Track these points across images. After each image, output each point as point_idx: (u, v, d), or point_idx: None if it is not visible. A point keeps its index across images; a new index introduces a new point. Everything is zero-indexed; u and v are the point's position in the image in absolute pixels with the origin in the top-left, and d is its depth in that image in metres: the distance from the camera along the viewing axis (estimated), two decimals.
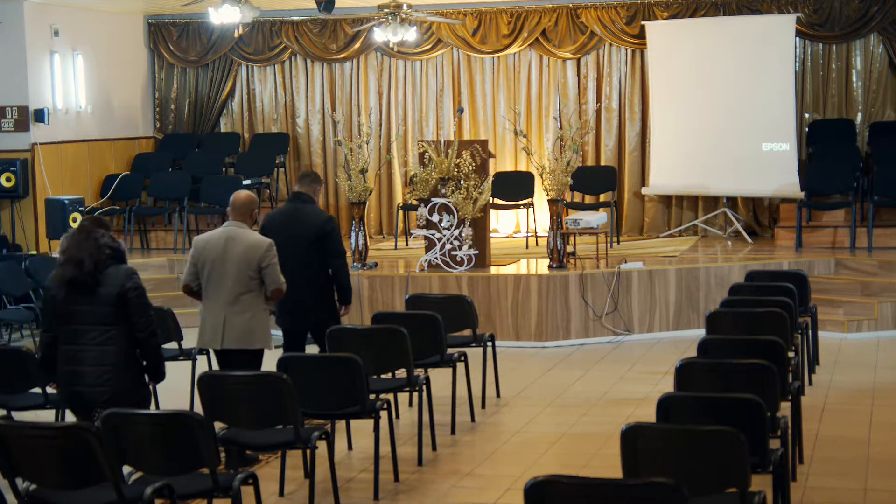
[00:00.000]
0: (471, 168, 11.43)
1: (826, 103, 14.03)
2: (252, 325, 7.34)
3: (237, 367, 7.23)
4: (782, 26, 13.38)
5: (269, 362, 7.15)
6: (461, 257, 11.55)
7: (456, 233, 11.54)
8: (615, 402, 9.07)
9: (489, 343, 9.16)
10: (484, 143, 11.81)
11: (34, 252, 13.10)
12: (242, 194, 7.82)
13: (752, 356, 6.43)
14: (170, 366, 8.63)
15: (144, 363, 6.22)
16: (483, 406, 8.99)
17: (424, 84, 15.27)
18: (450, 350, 8.38)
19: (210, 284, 7.36)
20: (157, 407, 8.53)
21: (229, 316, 7.31)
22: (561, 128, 12.30)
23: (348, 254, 10.29)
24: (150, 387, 6.37)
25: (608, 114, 14.66)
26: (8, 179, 13.31)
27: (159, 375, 6.30)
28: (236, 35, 13.37)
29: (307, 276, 8.08)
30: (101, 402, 5.99)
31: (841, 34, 13.74)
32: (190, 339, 9.25)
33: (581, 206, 13.65)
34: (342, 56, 15.37)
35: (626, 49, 14.53)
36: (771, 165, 13.30)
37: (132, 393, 6.12)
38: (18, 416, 7.40)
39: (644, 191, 14.38)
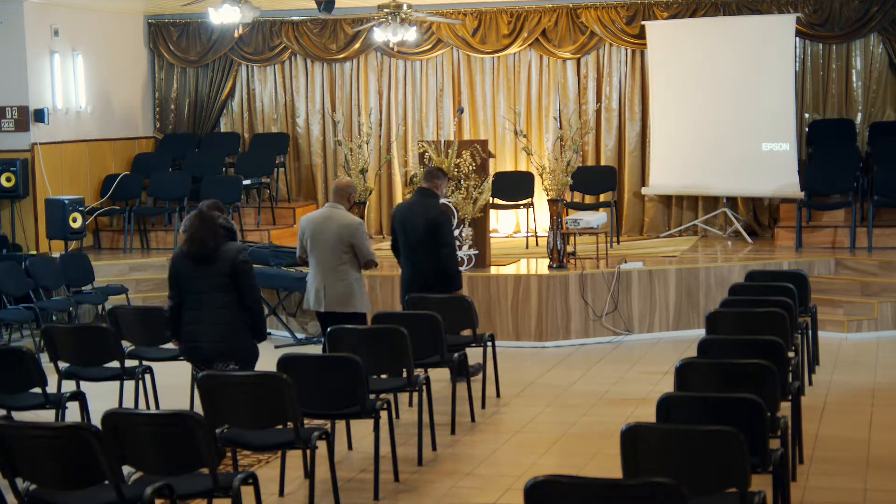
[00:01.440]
0: (471, 168, 11.43)
1: (826, 103, 14.03)
2: (348, 292, 8.50)
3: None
4: (782, 26, 13.38)
5: (270, 362, 7.15)
6: (461, 257, 11.54)
7: (456, 233, 11.54)
8: (615, 402, 9.07)
9: (489, 343, 9.16)
10: (484, 143, 11.81)
11: (34, 252, 13.10)
12: (343, 180, 8.96)
13: (752, 356, 6.42)
14: (170, 366, 8.75)
15: (251, 324, 7.15)
16: (483, 406, 8.99)
17: (424, 84, 15.27)
18: (450, 350, 8.38)
19: (313, 256, 8.57)
20: (158, 407, 8.54)
21: (328, 283, 8.51)
22: (561, 128, 12.30)
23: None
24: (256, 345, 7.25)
25: (608, 114, 14.66)
26: (8, 179, 13.31)
27: (261, 335, 7.22)
28: (236, 35, 13.36)
29: (423, 260, 9.21)
30: (217, 356, 7.04)
31: (841, 34, 13.74)
32: None
33: (581, 206, 13.65)
34: (342, 56, 15.37)
35: (626, 49, 14.53)
36: (771, 165, 13.30)
37: (242, 349, 7.12)
38: (18, 416, 7.40)
39: (644, 191, 14.38)
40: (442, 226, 9.19)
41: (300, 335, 11.78)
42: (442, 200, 11.42)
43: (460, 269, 9.64)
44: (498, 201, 13.67)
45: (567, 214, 12.48)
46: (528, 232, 14.29)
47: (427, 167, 10.07)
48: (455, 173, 11.43)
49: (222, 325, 7.06)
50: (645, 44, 14.14)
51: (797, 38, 13.60)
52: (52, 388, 7.69)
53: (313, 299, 8.59)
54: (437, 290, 9.10)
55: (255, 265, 11.84)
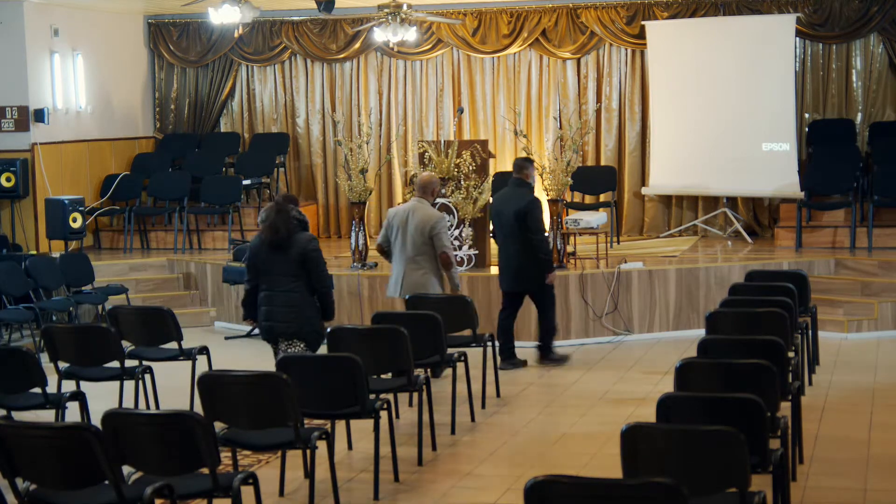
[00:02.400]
0: (471, 168, 11.43)
1: (826, 103, 14.03)
2: (423, 280, 9.31)
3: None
4: (782, 26, 13.38)
5: (270, 362, 7.14)
6: (461, 257, 11.55)
7: (456, 233, 11.54)
8: (615, 402, 9.07)
9: (489, 343, 9.16)
10: (484, 143, 11.81)
11: (34, 252, 13.09)
12: (426, 176, 9.70)
13: (752, 356, 6.42)
14: (170, 366, 8.75)
15: (320, 306, 7.91)
16: (483, 406, 8.99)
17: (424, 84, 15.27)
18: (450, 350, 8.38)
19: (396, 246, 9.38)
20: (158, 407, 8.55)
21: (407, 272, 9.33)
22: (561, 128, 12.31)
23: (348, 254, 11.74)
24: (324, 326, 7.94)
25: (608, 114, 14.66)
26: (8, 179, 13.31)
27: (330, 316, 7.99)
28: (236, 35, 13.37)
29: (516, 247, 9.83)
30: (287, 334, 7.80)
31: (841, 34, 13.74)
32: (190, 339, 9.26)
33: (581, 206, 13.65)
34: (342, 56, 15.37)
35: (626, 49, 14.53)
36: (771, 165, 13.30)
37: (310, 330, 7.84)
38: (18, 416, 7.41)
39: (644, 191, 14.38)
40: (531, 213, 9.77)
41: None
42: (442, 200, 11.46)
43: (549, 255, 10.11)
44: None
45: (567, 214, 12.49)
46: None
47: (517, 159, 10.55)
48: (455, 173, 11.44)
49: (291, 308, 7.79)
50: (645, 44, 14.14)
51: (797, 38, 13.61)
52: (52, 388, 7.69)
53: (392, 286, 9.46)
54: (530, 276, 9.83)
55: None
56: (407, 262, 9.37)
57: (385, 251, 9.57)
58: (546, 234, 10.10)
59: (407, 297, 9.14)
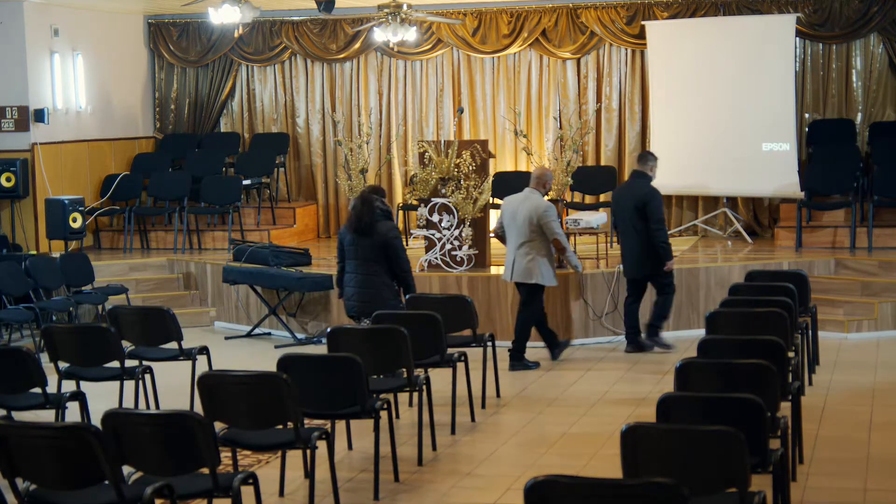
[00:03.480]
0: (471, 168, 11.43)
1: (826, 103, 14.03)
2: (531, 266, 9.92)
3: (522, 296, 10.08)
4: (782, 26, 13.38)
5: (270, 362, 7.15)
6: (461, 257, 11.55)
7: (456, 233, 11.54)
8: (615, 402, 9.07)
9: (489, 343, 9.16)
10: (484, 143, 11.81)
11: (34, 252, 13.10)
12: (540, 169, 10.30)
13: (752, 356, 6.42)
14: (170, 366, 8.75)
15: (400, 288, 8.92)
16: (483, 406, 8.99)
17: (424, 84, 15.27)
18: (450, 350, 8.38)
19: (508, 232, 10.04)
20: (158, 407, 8.54)
21: (517, 257, 9.95)
22: (561, 128, 12.32)
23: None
24: (402, 303, 8.95)
25: (608, 114, 14.66)
26: (8, 179, 13.31)
27: (412, 292, 8.96)
28: (236, 35, 13.36)
29: (636, 236, 10.34)
30: (366, 312, 8.63)
31: (841, 34, 13.74)
32: (190, 339, 9.27)
33: (581, 206, 13.65)
34: (342, 56, 15.37)
35: (626, 49, 14.54)
36: (771, 165, 13.30)
37: (388, 308, 8.61)
38: (18, 416, 7.41)
39: (508, 198, 14.25)
40: (650, 203, 10.35)
41: (300, 335, 11.78)
42: (442, 200, 11.47)
43: (668, 244, 10.55)
44: (498, 201, 13.61)
45: (567, 214, 12.48)
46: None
47: (641, 152, 11.12)
48: (455, 173, 11.44)
49: (369, 289, 8.78)
50: (645, 44, 14.14)
51: (797, 38, 13.61)
52: (52, 388, 7.68)
53: (505, 270, 10.18)
54: (649, 264, 10.38)
55: (254, 265, 11.96)
56: (517, 249, 9.99)
57: (500, 236, 10.30)
58: (665, 223, 10.69)
59: (510, 280, 10.09)
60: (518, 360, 10.25)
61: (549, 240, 9.94)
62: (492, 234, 10.40)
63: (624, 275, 10.78)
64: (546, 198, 10.18)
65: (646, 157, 10.75)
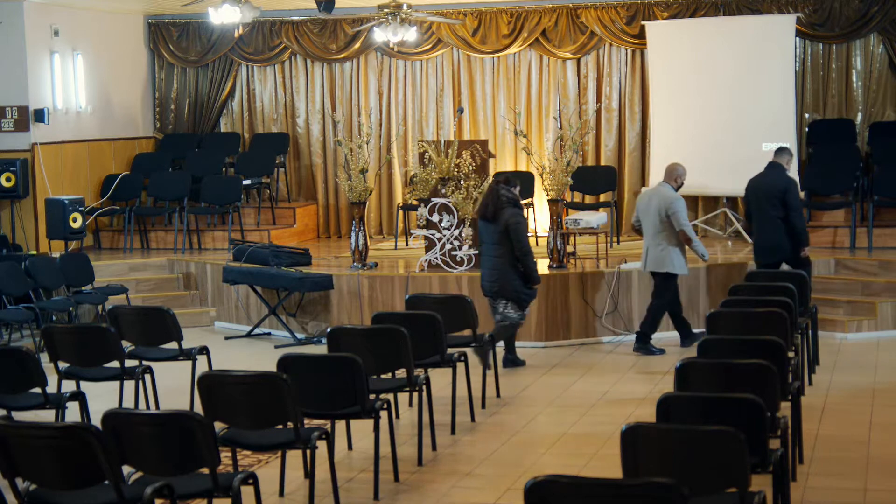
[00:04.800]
0: (471, 168, 11.43)
1: (826, 103, 14.03)
2: (663, 256, 10.40)
3: (655, 284, 10.55)
4: (782, 26, 13.38)
5: (270, 362, 7.15)
6: (461, 257, 11.56)
7: (456, 233, 11.54)
8: (615, 402, 9.07)
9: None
10: (484, 143, 11.82)
11: (34, 252, 13.10)
12: (671, 164, 10.75)
13: (752, 356, 6.42)
14: (170, 366, 8.75)
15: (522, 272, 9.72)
16: (483, 406, 8.99)
17: (424, 84, 15.27)
18: (450, 350, 8.38)
19: (643, 225, 10.55)
20: (158, 407, 8.55)
21: (650, 248, 10.48)
22: (561, 128, 12.31)
23: (348, 254, 12.10)
24: (532, 289, 9.87)
25: (608, 114, 14.66)
26: (8, 179, 13.31)
27: (533, 280, 9.80)
28: (236, 35, 13.36)
29: (771, 223, 10.55)
30: (493, 293, 9.79)
31: (841, 34, 13.74)
32: (190, 339, 9.27)
33: (581, 206, 13.65)
34: (342, 56, 15.37)
35: (626, 49, 14.54)
36: None
37: (510, 290, 9.72)
38: (18, 416, 7.40)
39: (644, 191, 14.35)
40: (789, 192, 10.54)
41: (300, 335, 11.78)
42: (442, 200, 11.47)
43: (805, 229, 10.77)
44: None
45: (567, 214, 12.49)
46: (528, 232, 14.26)
47: (779, 146, 11.27)
48: (455, 173, 11.44)
49: (496, 270, 9.73)
50: (645, 44, 14.14)
51: (797, 38, 13.61)
52: (52, 388, 7.69)
53: (641, 261, 10.64)
54: (787, 250, 10.55)
55: (254, 265, 11.96)
56: (651, 240, 10.45)
57: (637, 229, 10.80)
58: (802, 211, 10.91)
59: (645, 270, 10.60)
60: (643, 344, 10.64)
61: (677, 230, 10.33)
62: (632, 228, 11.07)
63: (756, 260, 10.87)
64: (678, 191, 10.57)
65: (782, 151, 10.96)
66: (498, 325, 9.93)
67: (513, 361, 10.33)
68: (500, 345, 10.18)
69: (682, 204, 10.39)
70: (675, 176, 10.60)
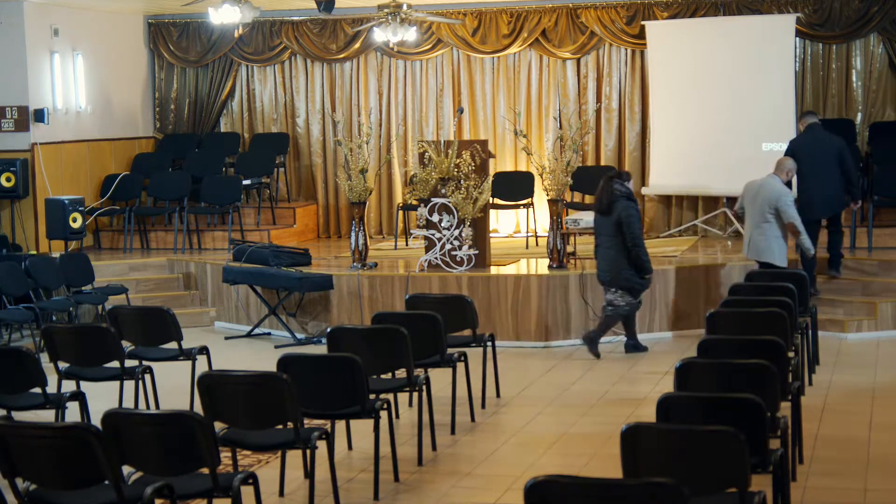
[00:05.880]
0: (471, 168, 11.43)
1: (826, 103, 14.03)
2: (765, 245, 10.54)
3: (760, 272, 10.36)
4: (782, 26, 13.38)
5: (270, 362, 7.15)
6: (461, 257, 11.55)
7: (456, 233, 11.54)
8: (615, 402, 9.07)
9: (489, 343, 9.16)
10: (484, 143, 11.81)
11: (34, 252, 13.10)
12: (781, 158, 10.98)
13: (752, 356, 6.42)
14: (170, 366, 8.74)
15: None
16: (483, 406, 8.99)
17: (424, 84, 15.27)
18: (450, 350, 8.38)
19: (747, 213, 10.73)
20: (158, 407, 8.55)
21: (754, 236, 10.62)
22: (561, 128, 12.30)
23: (348, 254, 12.14)
24: (645, 278, 10.39)
25: (608, 114, 14.66)
26: (8, 179, 13.31)
27: (644, 270, 10.33)
28: (236, 35, 13.36)
29: (831, 179, 11.14)
30: (607, 282, 10.39)
31: (841, 34, 13.74)
32: (190, 339, 9.27)
33: (581, 206, 13.64)
34: (342, 56, 15.37)
35: (626, 49, 14.54)
36: (771, 165, 13.23)
37: (622, 279, 10.30)
38: (18, 416, 7.40)
39: (644, 191, 14.37)
40: (844, 150, 11.29)
41: (300, 335, 11.78)
42: (442, 200, 11.47)
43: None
44: (498, 201, 13.67)
45: (567, 214, 12.48)
46: (528, 232, 14.29)
47: (806, 112, 11.90)
48: (455, 173, 11.44)
49: (609, 261, 10.29)
50: (645, 44, 14.14)
51: (797, 38, 13.60)
52: (52, 388, 7.69)
53: (744, 247, 10.82)
54: (841, 202, 11.30)
55: (254, 265, 11.96)
56: (754, 229, 10.62)
57: (739, 217, 11.28)
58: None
59: (755, 259, 10.72)
60: None
61: (785, 223, 10.49)
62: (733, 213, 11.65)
63: (816, 215, 11.21)
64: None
65: (810, 114, 11.61)
66: (604, 316, 10.53)
67: (634, 347, 10.73)
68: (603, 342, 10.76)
69: (791, 198, 10.57)
70: (785, 170, 10.75)
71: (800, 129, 11.82)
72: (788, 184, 10.77)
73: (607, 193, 10.23)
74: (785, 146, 13.16)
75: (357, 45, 15.27)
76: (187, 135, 15.78)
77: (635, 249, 10.18)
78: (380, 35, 13.28)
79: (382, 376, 7.88)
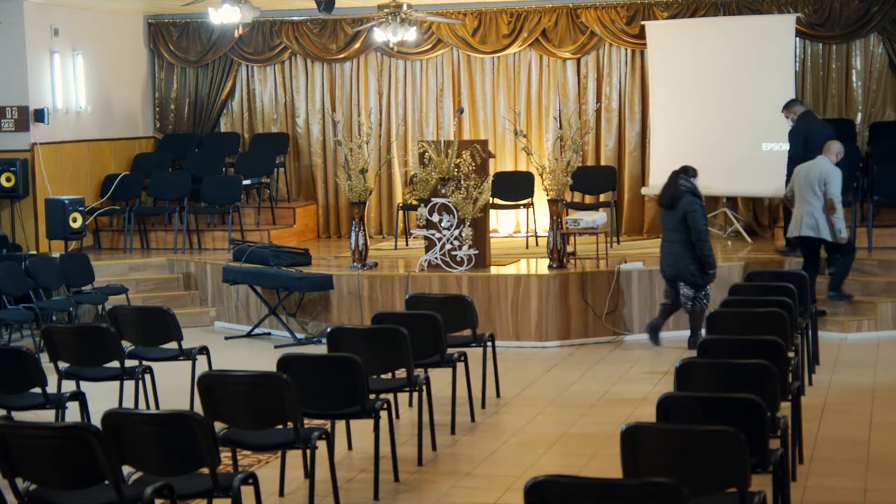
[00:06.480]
0: (471, 168, 11.43)
1: (826, 103, 14.02)
2: (815, 221, 10.80)
3: (806, 250, 11.04)
4: (782, 26, 13.37)
5: (270, 362, 7.15)
6: (461, 257, 11.55)
7: (456, 233, 11.54)
8: (615, 402, 9.07)
9: (489, 343, 9.15)
10: (484, 143, 11.81)
11: (34, 252, 13.10)
12: (829, 142, 11.14)
13: (752, 356, 6.42)
14: (170, 366, 8.74)
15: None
16: (483, 406, 8.99)
17: (424, 84, 15.27)
18: (450, 350, 8.38)
19: (798, 193, 10.96)
20: (158, 407, 8.55)
21: (804, 215, 10.87)
22: (561, 128, 12.30)
23: (348, 254, 12.15)
24: (709, 273, 10.36)
25: (608, 114, 14.66)
26: (8, 179, 13.31)
27: (708, 265, 10.31)
28: (236, 35, 13.36)
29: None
30: (670, 276, 10.45)
31: (841, 34, 13.74)
32: (190, 339, 9.27)
33: (581, 206, 13.65)
34: (342, 56, 15.37)
35: (626, 49, 14.54)
36: (771, 165, 13.27)
37: (687, 273, 10.32)
38: (18, 416, 7.40)
39: (644, 191, 14.37)
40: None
41: (300, 335, 11.78)
42: (442, 200, 11.47)
43: None
44: (498, 201, 13.67)
45: (567, 214, 12.48)
46: (528, 232, 14.29)
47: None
48: (455, 173, 11.44)
49: (673, 255, 10.37)
50: (645, 44, 14.14)
51: (797, 38, 13.59)
52: (52, 388, 7.69)
53: (793, 225, 11.01)
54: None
55: (254, 265, 11.95)
56: (806, 207, 10.87)
57: (790, 200, 11.23)
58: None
59: (801, 235, 10.92)
60: (839, 293, 11.23)
61: (826, 199, 10.79)
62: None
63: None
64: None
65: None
66: (690, 316, 10.60)
67: (695, 343, 10.54)
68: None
69: (839, 176, 10.83)
70: (834, 151, 10.99)
71: (790, 118, 11.95)
72: (837, 165, 10.95)
73: (673, 188, 10.38)
74: (785, 146, 13.20)
75: (357, 45, 15.27)
76: (187, 135, 15.78)
77: (700, 244, 10.23)
78: (380, 35, 13.28)
79: (382, 376, 7.88)
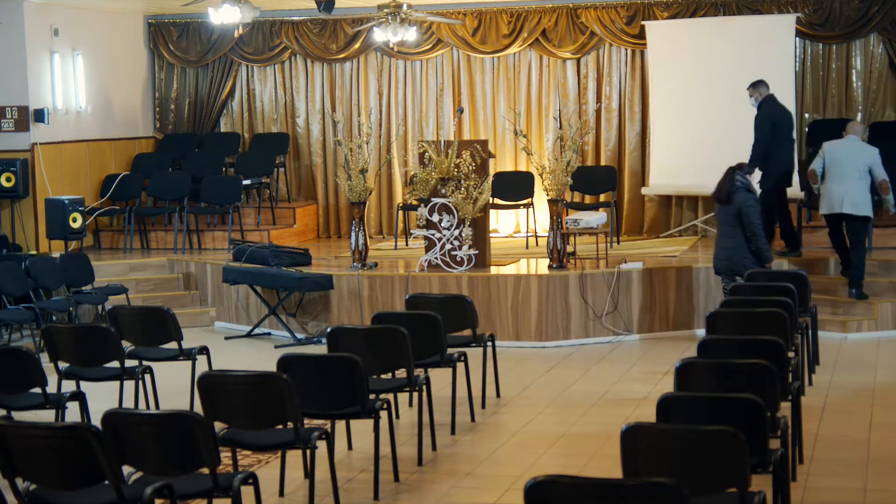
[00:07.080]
0: (471, 168, 11.43)
1: (826, 103, 14.03)
2: (859, 199, 11.15)
3: (849, 228, 11.35)
4: (782, 26, 13.38)
5: (270, 362, 7.14)
6: (461, 257, 11.55)
7: (456, 233, 11.54)
8: (615, 402, 9.07)
9: (489, 343, 9.15)
10: (484, 143, 11.81)
11: (34, 252, 13.10)
12: (852, 122, 11.79)
13: (752, 356, 6.42)
14: (170, 366, 8.74)
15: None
16: (483, 406, 8.99)
17: (424, 84, 15.28)
18: (450, 350, 8.38)
19: (837, 171, 11.17)
20: (158, 407, 8.55)
21: (847, 193, 11.13)
22: (561, 128, 12.30)
23: (348, 254, 12.15)
24: (766, 267, 10.32)
25: (608, 114, 14.66)
26: (8, 179, 13.31)
27: (763, 260, 10.29)
28: (236, 35, 13.36)
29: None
30: (722, 269, 10.45)
31: (841, 34, 13.74)
32: (190, 339, 9.27)
33: (581, 206, 13.65)
34: (342, 56, 15.37)
35: (626, 49, 14.54)
36: None
37: (741, 267, 10.19)
38: (18, 416, 7.40)
39: (644, 191, 14.37)
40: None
41: (300, 335, 11.78)
42: (442, 200, 11.47)
43: None
44: (498, 201, 13.67)
45: (567, 214, 12.48)
46: (528, 232, 14.29)
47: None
48: (455, 173, 11.44)
49: (728, 249, 10.36)
50: (645, 44, 14.14)
51: (797, 38, 13.61)
52: (52, 388, 7.69)
53: (834, 202, 11.21)
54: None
55: (254, 265, 11.95)
56: (850, 185, 11.14)
57: (817, 176, 11.35)
58: None
59: (839, 211, 11.19)
60: (859, 289, 11.44)
61: (878, 181, 11.12)
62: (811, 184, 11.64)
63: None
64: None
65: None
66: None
67: None
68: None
69: (878, 156, 11.20)
70: (860, 131, 11.46)
71: (755, 97, 12.11)
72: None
73: (728, 184, 10.43)
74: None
75: (357, 45, 15.27)
76: (187, 135, 15.78)
77: (755, 238, 10.29)
78: (380, 35, 13.28)
79: (382, 376, 7.88)
